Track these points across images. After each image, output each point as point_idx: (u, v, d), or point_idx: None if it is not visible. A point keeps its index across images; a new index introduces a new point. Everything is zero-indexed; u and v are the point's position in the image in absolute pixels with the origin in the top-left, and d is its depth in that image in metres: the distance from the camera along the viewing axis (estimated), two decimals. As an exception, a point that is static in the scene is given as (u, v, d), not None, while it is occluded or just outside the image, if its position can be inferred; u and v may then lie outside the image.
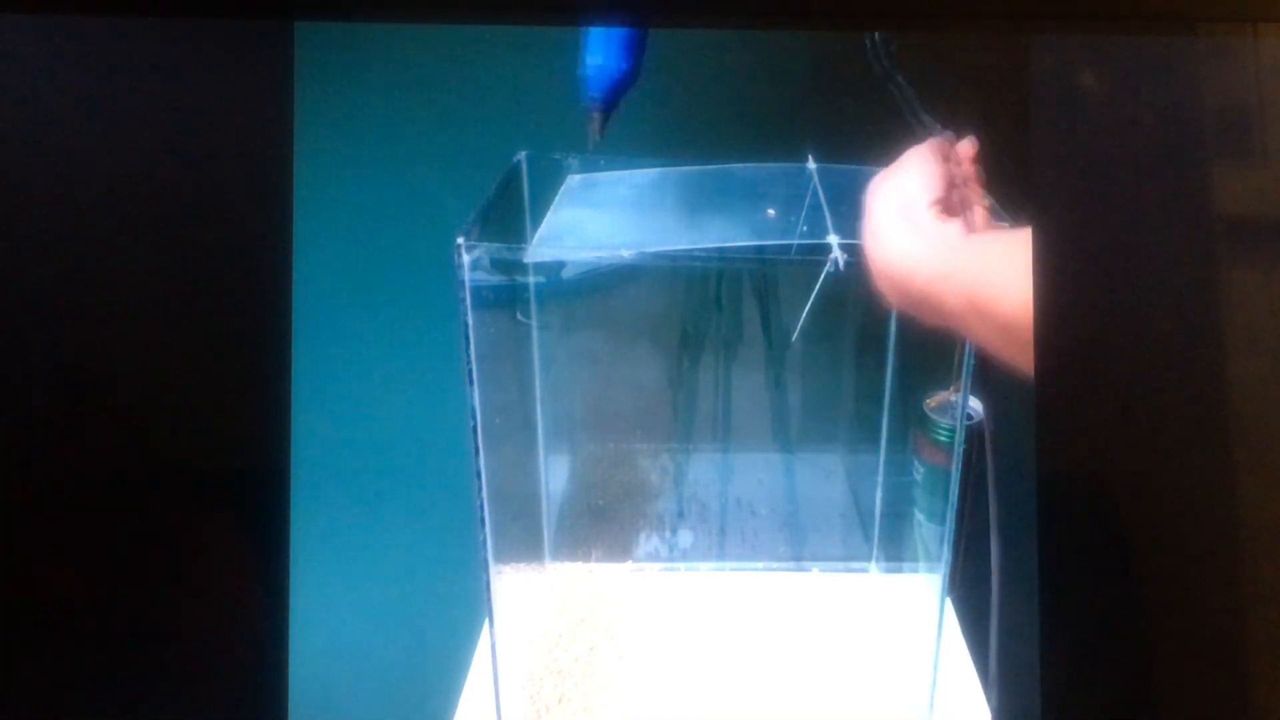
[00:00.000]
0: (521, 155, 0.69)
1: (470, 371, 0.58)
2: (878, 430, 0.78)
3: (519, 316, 0.73)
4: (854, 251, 0.54)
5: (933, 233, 0.49)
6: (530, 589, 0.75)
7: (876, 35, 0.57)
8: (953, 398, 0.67)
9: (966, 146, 0.54)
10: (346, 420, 0.74)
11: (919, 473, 0.72)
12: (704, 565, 0.80)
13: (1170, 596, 0.47)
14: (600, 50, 0.54)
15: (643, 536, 0.80)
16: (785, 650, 0.71)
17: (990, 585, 0.59)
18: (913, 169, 0.52)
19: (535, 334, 0.76)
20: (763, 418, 0.80)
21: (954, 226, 0.50)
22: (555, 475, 0.79)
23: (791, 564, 0.80)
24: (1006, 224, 0.57)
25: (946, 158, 0.52)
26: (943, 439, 0.68)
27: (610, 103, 0.56)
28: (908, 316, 0.51)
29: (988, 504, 0.59)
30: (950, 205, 0.51)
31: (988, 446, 0.58)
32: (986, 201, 0.53)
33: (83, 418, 0.49)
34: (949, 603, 0.64)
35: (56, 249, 0.49)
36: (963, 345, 0.59)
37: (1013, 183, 0.56)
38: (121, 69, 0.49)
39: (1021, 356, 0.46)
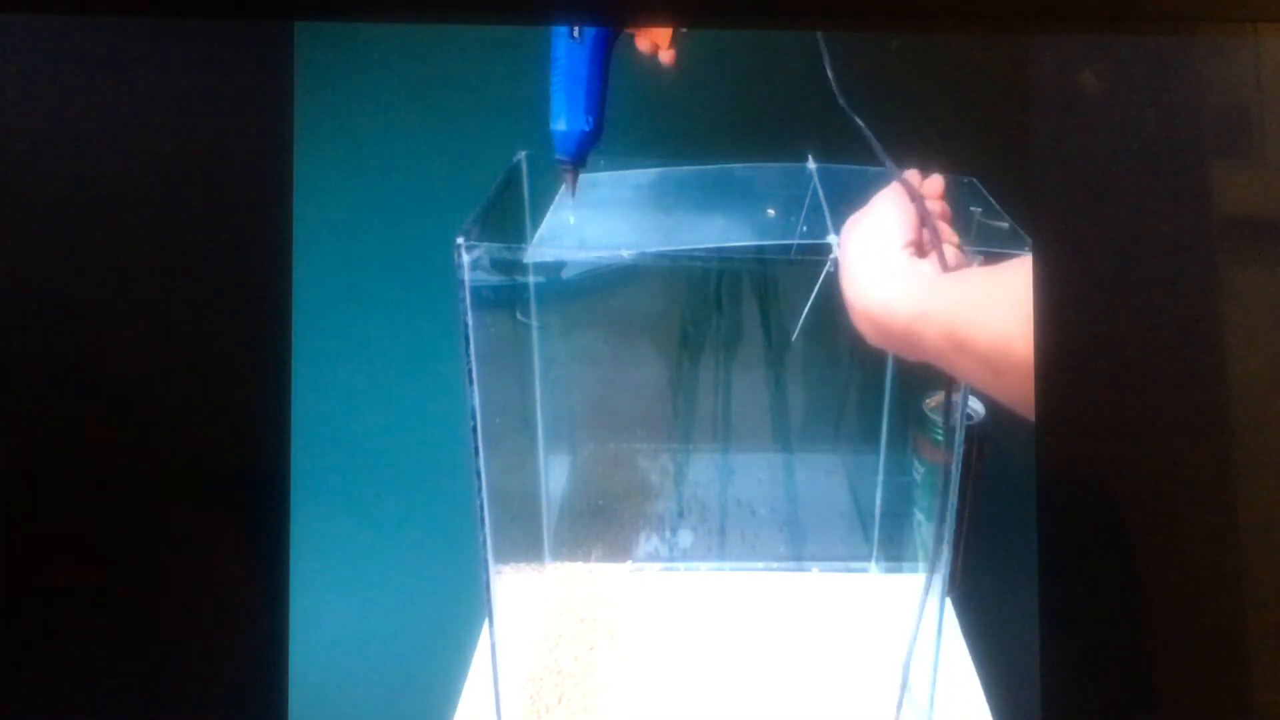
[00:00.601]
0: (521, 155, 0.69)
1: (470, 371, 0.58)
2: (878, 430, 0.78)
3: (519, 316, 0.73)
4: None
5: (909, 273, 0.50)
6: (530, 589, 0.75)
7: (832, 78, 0.58)
8: (953, 398, 0.67)
9: (933, 184, 0.55)
10: (346, 420, 0.74)
11: (919, 473, 0.72)
12: (704, 565, 0.80)
13: (1170, 597, 0.47)
14: (563, 115, 0.58)
15: (643, 536, 0.80)
16: (785, 650, 0.71)
17: (990, 585, 0.59)
18: (884, 211, 0.53)
19: (535, 334, 0.76)
20: (763, 418, 0.80)
21: (929, 265, 0.51)
22: (555, 475, 0.79)
23: (791, 564, 0.80)
24: (1005, 224, 0.57)
25: (914, 197, 0.53)
26: (943, 439, 0.68)
27: (579, 159, 0.60)
28: (889, 351, 0.51)
29: (988, 503, 0.59)
30: (923, 244, 0.52)
31: (957, 444, 0.58)
32: (958, 239, 0.54)
33: (83, 417, 0.49)
34: (949, 603, 0.64)
35: (56, 249, 0.49)
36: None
37: (1013, 186, 0.56)
38: (121, 69, 0.49)
39: (1004, 389, 0.46)
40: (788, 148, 0.70)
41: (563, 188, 0.62)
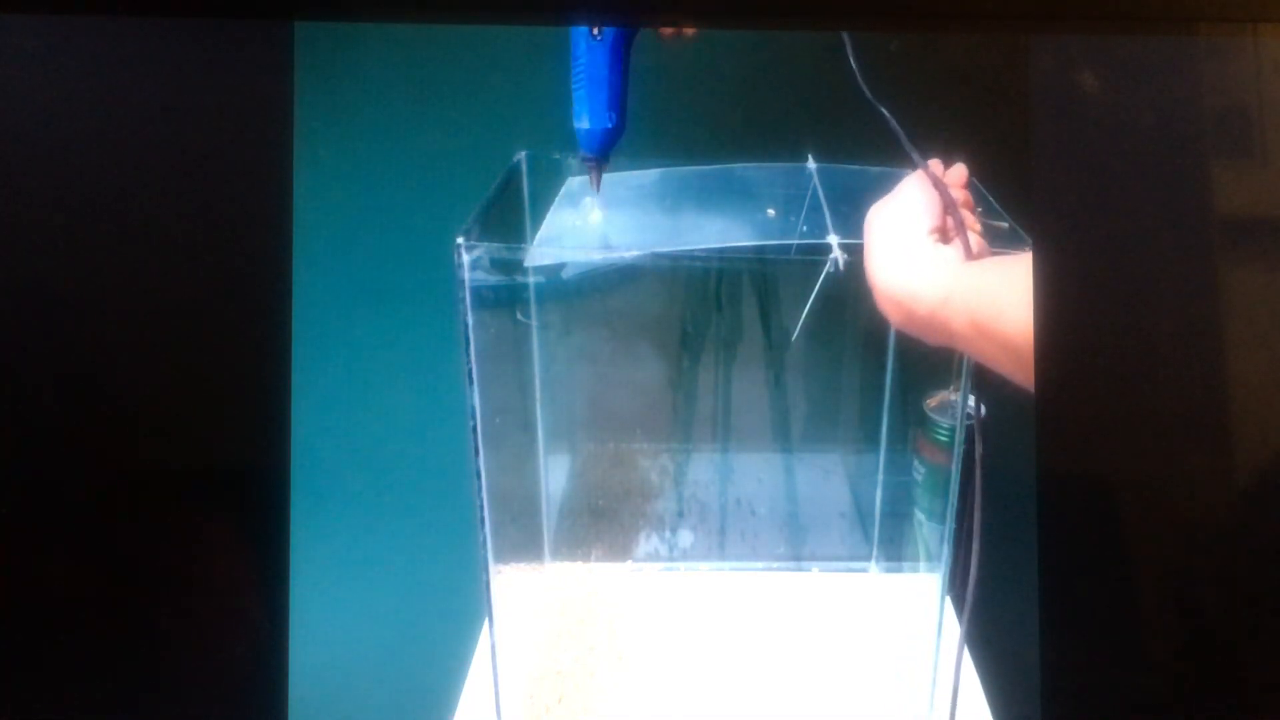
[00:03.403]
0: (521, 155, 0.69)
1: (470, 371, 0.58)
2: (878, 430, 0.78)
3: (519, 316, 0.73)
4: (854, 251, 0.55)
5: (934, 258, 0.51)
6: (530, 589, 0.75)
7: (856, 69, 0.59)
8: (953, 398, 0.67)
9: (956, 172, 0.56)
10: (346, 420, 0.74)
11: (919, 473, 0.72)
12: (704, 565, 0.80)
13: (1170, 596, 0.47)
14: (586, 113, 0.59)
15: (643, 536, 0.80)
16: (785, 650, 0.71)
17: (990, 585, 0.59)
18: (909, 197, 0.54)
19: (535, 334, 0.76)
20: (763, 418, 0.80)
21: (954, 251, 0.51)
22: (555, 475, 0.79)
23: (791, 564, 0.80)
24: (1005, 224, 0.58)
25: (938, 184, 0.54)
26: (943, 439, 0.68)
27: (604, 155, 0.61)
28: (912, 336, 0.52)
29: (988, 503, 0.59)
30: (947, 230, 0.53)
31: (978, 443, 0.58)
32: (978, 218, 0.55)
33: (82, 418, 0.49)
34: (949, 602, 0.64)
35: (56, 249, 0.49)
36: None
37: (1013, 186, 0.56)
38: (121, 69, 0.49)
39: (1027, 374, 0.47)
40: (788, 148, 0.70)
41: (564, 187, 0.62)
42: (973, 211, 0.55)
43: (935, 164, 0.56)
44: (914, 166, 0.56)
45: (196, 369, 0.50)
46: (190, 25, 0.49)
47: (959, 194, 0.55)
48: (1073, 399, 0.47)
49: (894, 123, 0.58)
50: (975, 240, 0.52)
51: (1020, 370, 0.47)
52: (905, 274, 0.51)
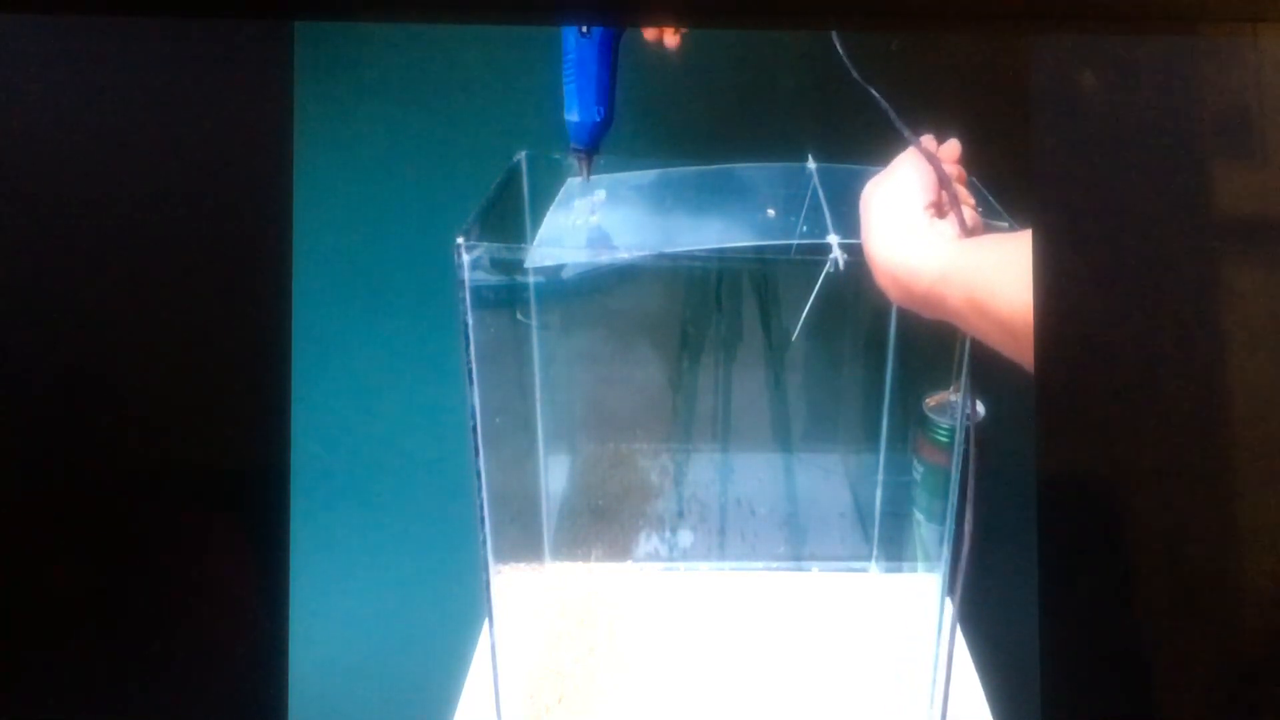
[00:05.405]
0: (521, 155, 0.69)
1: (470, 371, 0.58)
2: (878, 430, 0.78)
3: (519, 316, 0.73)
4: (854, 251, 0.55)
5: (931, 234, 0.51)
6: (530, 589, 0.75)
7: (842, 51, 0.59)
8: (952, 398, 0.67)
9: (950, 148, 0.56)
10: (346, 420, 0.74)
11: (919, 473, 0.72)
12: (704, 565, 0.80)
13: (1170, 596, 0.47)
14: (575, 107, 0.61)
15: (643, 536, 0.80)
16: (786, 650, 0.71)
17: (990, 585, 0.59)
18: (905, 174, 0.54)
19: (535, 334, 0.76)
20: (763, 418, 0.80)
21: (950, 227, 0.52)
22: (555, 475, 0.79)
23: (791, 564, 0.80)
24: (1005, 224, 0.58)
25: (932, 159, 0.54)
26: (943, 439, 0.68)
27: (592, 147, 0.63)
28: (909, 315, 0.53)
29: (986, 503, 0.59)
30: (942, 205, 0.53)
31: (972, 443, 0.58)
32: (974, 200, 0.55)
33: (82, 418, 0.49)
34: (949, 602, 0.64)
35: (56, 249, 0.49)
36: (962, 345, 0.59)
37: (1012, 182, 0.56)
38: (121, 69, 0.48)
39: (1023, 353, 0.47)
40: (788, 148, 0.70)
41: (564, 187, 0.62)
42: (966, 186, 0.56)
43: (929, 139, 0.56)
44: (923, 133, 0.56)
45: (197, 369, 0.50)
46: (190, 25, 0.49)
47: (953, 169, 0.55)
48: (1072, 400, 0.47)
49: (884, 102, 0.58)
50: (969, 215, 0.53)
51: (1016, 348, 0.47)
52: (903, 250, 0.51)
